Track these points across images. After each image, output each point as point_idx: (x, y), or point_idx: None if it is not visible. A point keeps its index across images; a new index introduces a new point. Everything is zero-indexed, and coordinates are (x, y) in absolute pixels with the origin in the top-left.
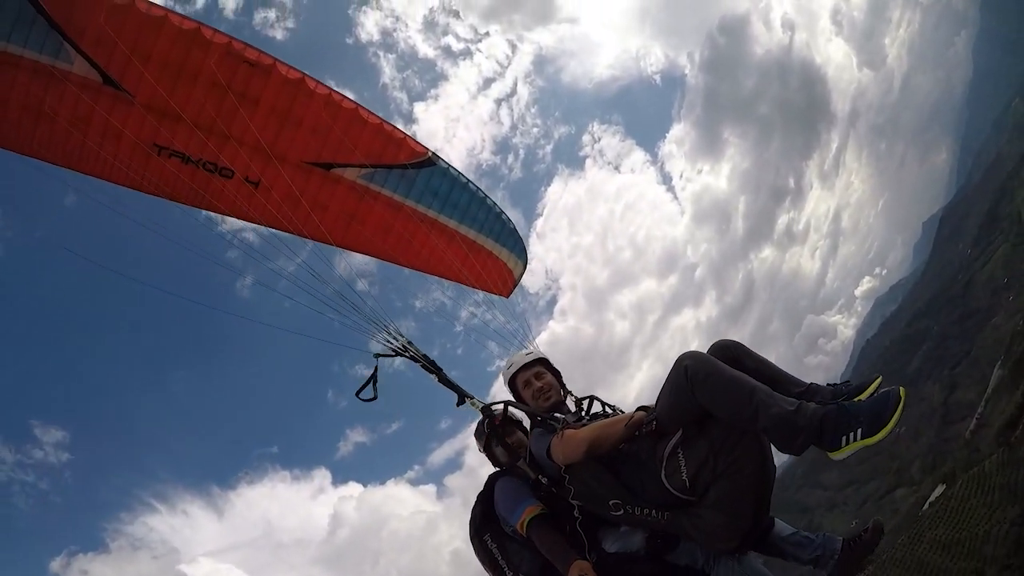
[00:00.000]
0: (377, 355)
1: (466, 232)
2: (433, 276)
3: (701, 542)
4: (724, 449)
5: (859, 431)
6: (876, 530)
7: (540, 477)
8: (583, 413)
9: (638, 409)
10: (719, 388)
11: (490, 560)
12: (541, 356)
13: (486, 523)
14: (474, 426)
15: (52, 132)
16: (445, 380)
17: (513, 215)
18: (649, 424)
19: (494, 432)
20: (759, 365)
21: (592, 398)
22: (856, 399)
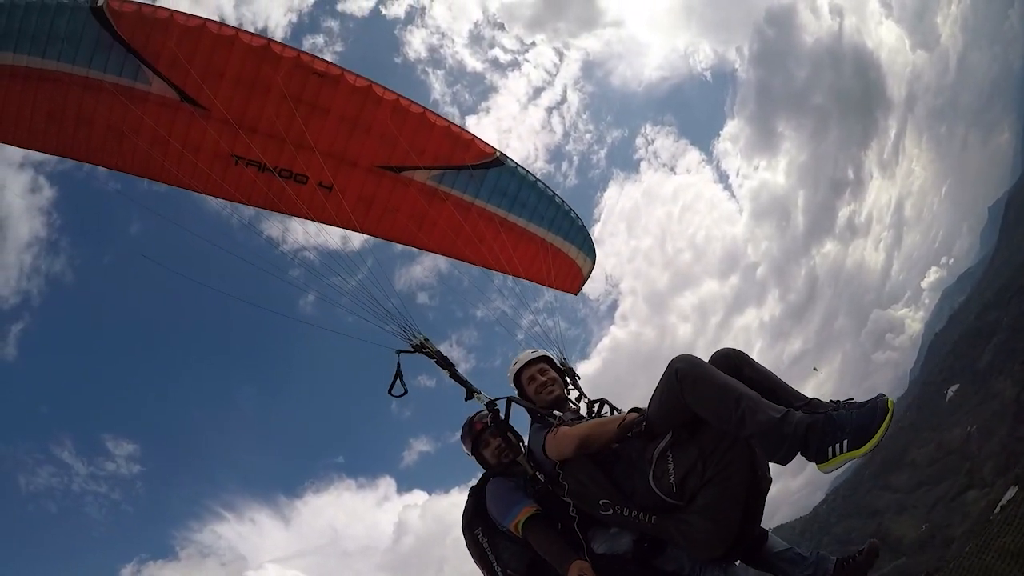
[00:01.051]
0: (398, 351)
1: (535, 230)
2: (501, 275)
3: (687, 548)
4: (714, 455)
5: (844, 442)
6: (871, 553)
7: (537, 473)
8: (592, 416)
9: (631, 410)
10: (708, 392)
11: (480, 554)
12: (545, 354)
13: (477, 517)
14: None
15: (136, 147)
16: (456, 376)
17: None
18: (639, 425)
19: (496, 423)
20: (759, 375)
21: (603, 401)
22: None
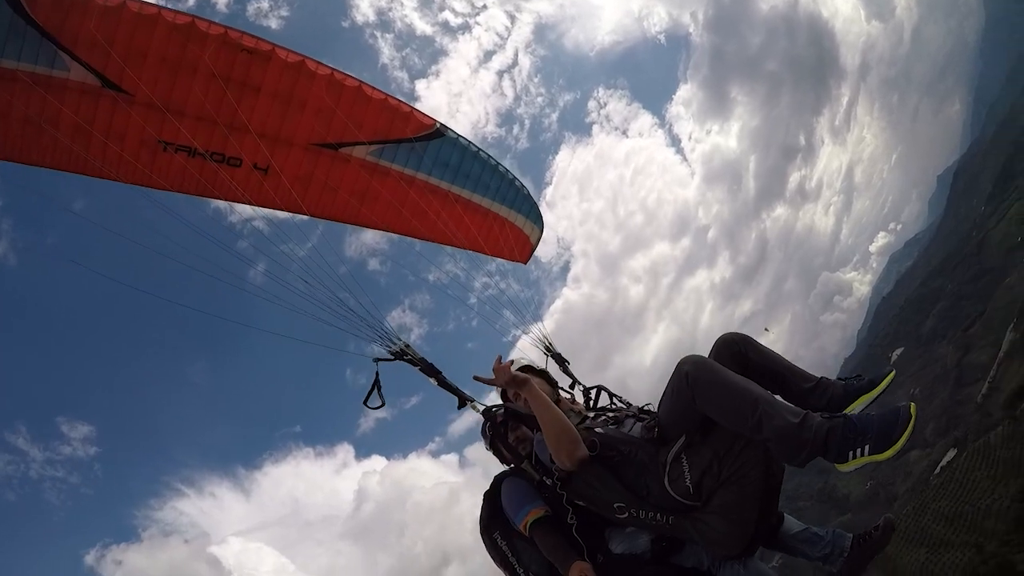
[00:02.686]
0: (376, 360)
1: (480, 201)
2: (450, 247)
3: (705, 547)
4: (728, 456)
5: (866, 447)
6: (887, 528)
7: (545, 479)
8: (590, 403)
9: (641, 410)
10: (721, 396)
11: (501, 558)
12: (525, 363)
13: (494, 522)
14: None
15: (56, 140)
16: (444, 383)
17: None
18: (651, 431)
19: (496, 434)
20: (765, 359)
21: (599, 388)
22: (863, 397)
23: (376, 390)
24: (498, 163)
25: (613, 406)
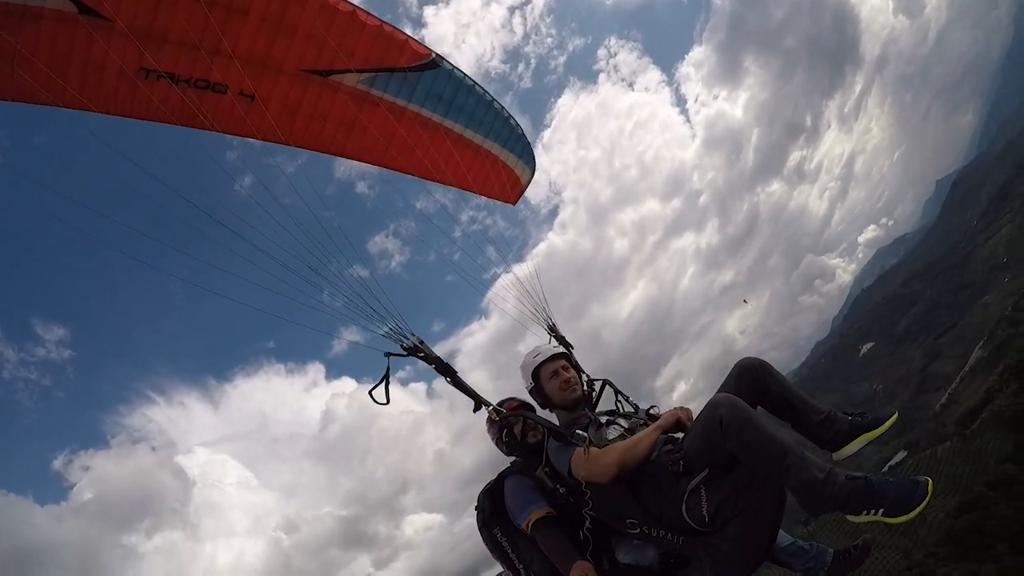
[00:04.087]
0: (388, 354)
1: (471, 137)
2: (437, 183)
3: (713, 568)
4: (747, 489)
5: (881, 510)
6: (865, 548)
7: (558, 487)
8: (593, 395)
9: (648, 412)
10: (753, 443)
11: (501, 552)
12: (564, 351)
13: (495, 517)
14: (474, 408)
15: (32, 73)
16: (459, 384)
17: (520, 124)
18: (676, 464)
19: (512, 441)
20: (783, 390)
21: (605, 382)
22: (865, 435)
23: (385, 385)
24: (493, 99)
25: (619, 409)
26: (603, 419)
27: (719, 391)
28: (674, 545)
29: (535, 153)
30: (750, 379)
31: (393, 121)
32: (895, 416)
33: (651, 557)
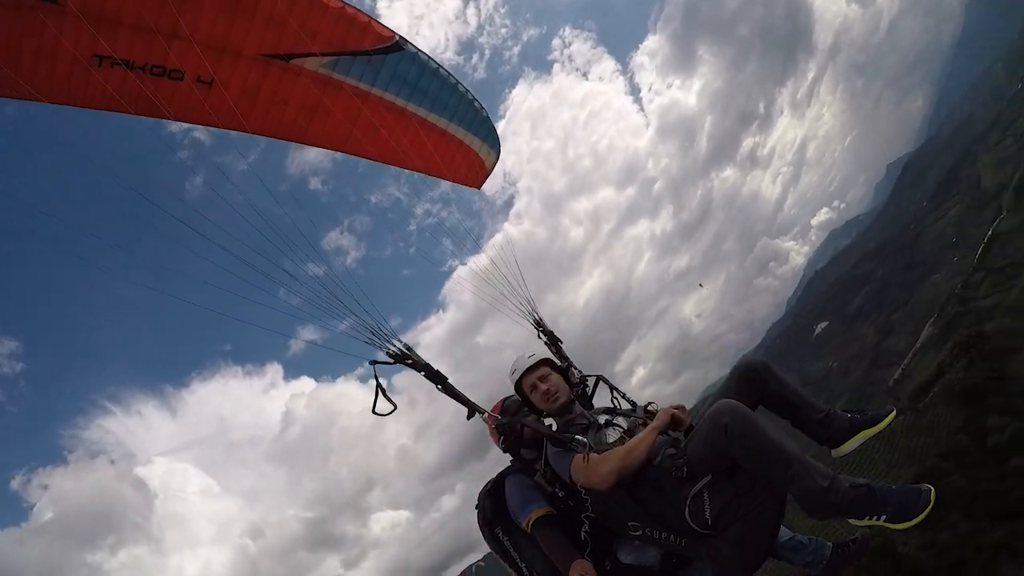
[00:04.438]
0: (374, 362)
1: (436, 120)
2: (401, 168)
3: (715, 570)
4: (750, 494)
5: (884, 517)
6: (863, 542)
7: (557, 491)
8: (588, 391)
9: (647, 409)
10: (757, 451)
11: (503, 551)
12: (543, 357)
13: (497, 517)
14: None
15: None
16: (451, 391)
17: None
18: (680, 470)
19: (511, 447)
20: (783, 389)
21: (599, 378)
22: (864, 432)
23: (382, 394)
24: (458, 82)
25: (615, 407)
26: (601, 419)
27: (721, 391)
28: (677, 547)
29: (499, 136)
30: (751, 379)
31: (356, 105)
32: (893, 413)
33: (653, 557)
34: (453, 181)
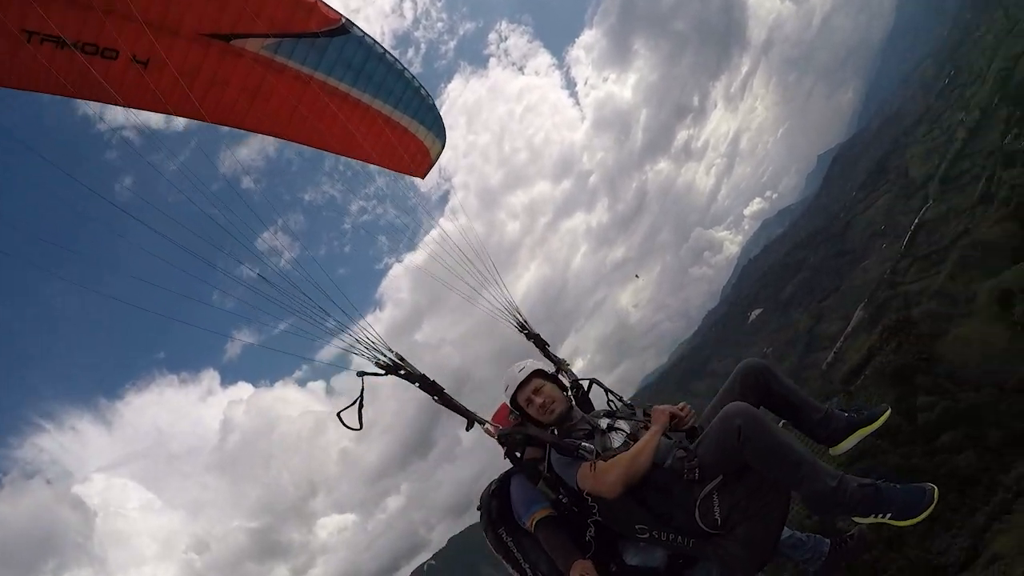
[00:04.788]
0: (362, 374)
1: (380, 107)
2: (344, 156)
3: (721, 569)
4: (758, 494)
5: (889, 515)
6: (861, 539)
7: (561, 497)
8: (583, 395)
9: (646, 412)
10: (768, 453)
11: (506, 552)
12: (534, 369)
13: (501, 518)
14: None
15: None
16: (449, 402)
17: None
18: (692, 472)
19: (513, 457)
20: (785, 391)
21: (593, 382)
22: (861, 430)
23: (359, 410)
24: (404, 67)
25: (611, 407)
26: (603, 423)
27: (723, 393)
28: (684, 547)
29: (444, 124)
30: (754, 381)
31: (299, 89)
32: (888, 412)
33: (659, 559)
34: (397, 171)
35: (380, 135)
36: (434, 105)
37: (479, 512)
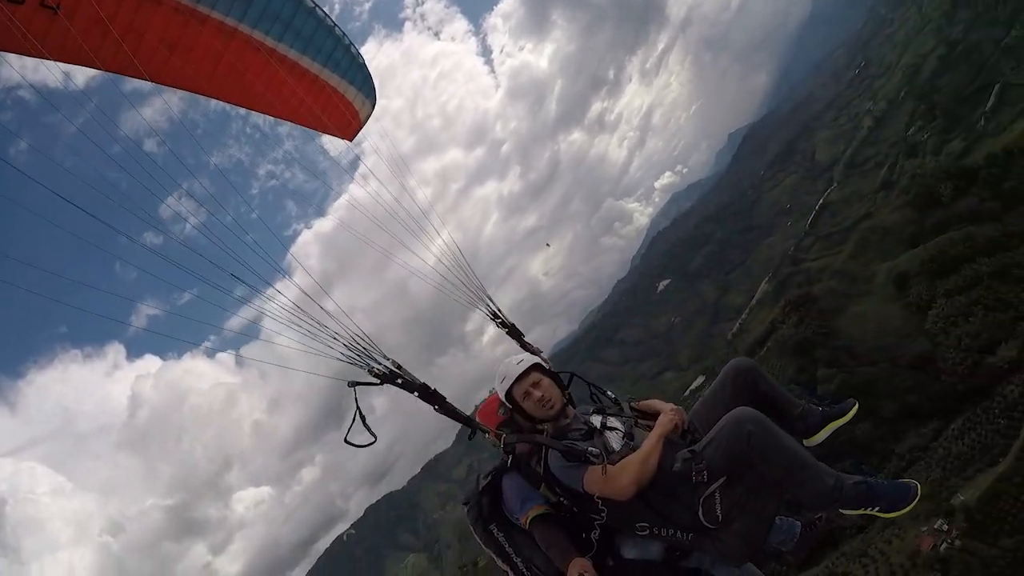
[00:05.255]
0: (353, 384)
1: (308, 65)
2: (267, 115)
3: (717, 558)
4: (756, 491)
5: (877, 508)
6: (827, 520)
7: (562, 500)
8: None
9: (632, 407)
10: (776, 457)
11: (497, 547)
12: (533, 362)
13: (493, 515)
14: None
15: None
16: (450, 411)
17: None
18: (701, 475)
19: (516, 463)
20: (771, 390)
21: (573, 375)
22: (833, 423)
23: (363, 423)
24: (335, 23)
25: (595, 399)
26: (596, 421)
27: (713, 391)
28: (683, 541)
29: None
30: (744, 381)
31: (221, 43)
32: (856, 406)
33: (656, 551)
34: (323, 131)
35: (307, 94)
36: (365, 64)
37: (466, 508)
